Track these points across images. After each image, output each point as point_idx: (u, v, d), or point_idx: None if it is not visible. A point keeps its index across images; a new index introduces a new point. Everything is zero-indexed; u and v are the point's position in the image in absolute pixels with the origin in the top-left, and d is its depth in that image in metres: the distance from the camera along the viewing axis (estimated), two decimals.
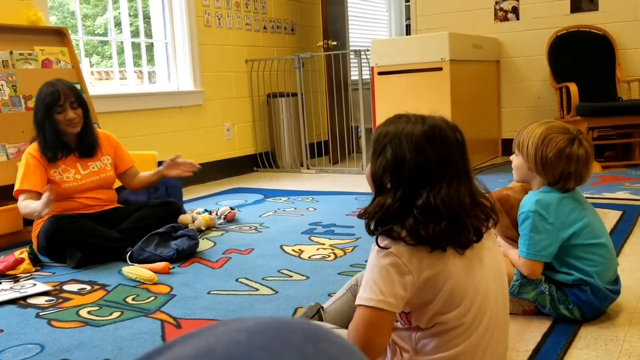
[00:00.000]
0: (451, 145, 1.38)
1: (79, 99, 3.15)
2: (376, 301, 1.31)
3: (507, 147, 5.99)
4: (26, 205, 2.97)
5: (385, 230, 1.34)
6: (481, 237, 1.38)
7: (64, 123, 3.08)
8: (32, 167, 3.07)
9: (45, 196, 2.73)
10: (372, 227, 1.38)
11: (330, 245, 3.10)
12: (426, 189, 1.33)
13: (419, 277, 1.32)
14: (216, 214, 3.80)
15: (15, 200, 3.56)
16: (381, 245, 1.33)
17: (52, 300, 2.49)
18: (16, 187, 3.06)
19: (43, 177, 3.09)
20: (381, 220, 1.36)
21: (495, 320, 1.39)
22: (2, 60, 3.74)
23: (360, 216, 1.41)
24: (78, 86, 4.02)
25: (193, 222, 3.49)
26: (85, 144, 3.20)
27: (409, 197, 1.34)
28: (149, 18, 5.31)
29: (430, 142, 1.35)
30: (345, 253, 2.94)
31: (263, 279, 2.62)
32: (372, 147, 1.42)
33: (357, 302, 1.35)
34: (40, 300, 2.49)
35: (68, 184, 3.11)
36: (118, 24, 5.18)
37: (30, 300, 2.49)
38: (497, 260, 1.46)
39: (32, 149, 3.13)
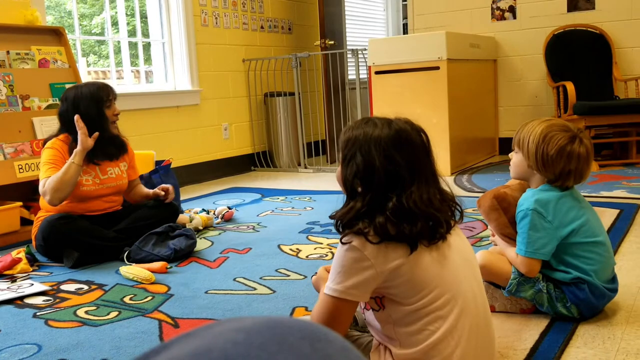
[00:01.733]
0: (417, 148, 1.44)
1: (116, 99, 3.19)
2: (339, 292, 1.41)
3: (504, 145, 6.00)
4: (52, 178, 2.91)
5: (350, 225, 1.42)
6: (450, 229, 1.46)
7: (110, 119, 3.11)
8: (55, 159, 3.02)
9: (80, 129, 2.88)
10: (340, 228, 1.45)
11: (327, 245, 3.10)
12: (396, 192, 1.40)
13: (382, 270, 1.38)
14: (214, 214, 3.80)
15: (13, 200, 3.55)
16: (345, 239, 1.41)
17: (50, 300, 2.48)
18: (41, 177, 2.98)
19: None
20: (350, 222, 1.43)
21: (469, 303, 1.43)
22: None
23: (331, 217, 1.48)
24: None
25: (191, 222, 3.49)
26: (115, 145, 3.19)
27: (379, 201, 1.41)
28: (146, 17, 5.30)
29: (398, 148, 1.41)
30: None
31: (261, 278, 2.62)
32: (341, 152, 1.49)
33: (325, 291, 1.45)
34: (38, 300, 2.49)
35: (86, 187, 3.06)
36: (115, 23, 5.16)
37: (28, 300, 2.49)
38: (465, 245, 1.53)
39: (55, 144, 3.07)
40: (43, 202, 3.15)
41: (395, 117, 1.47)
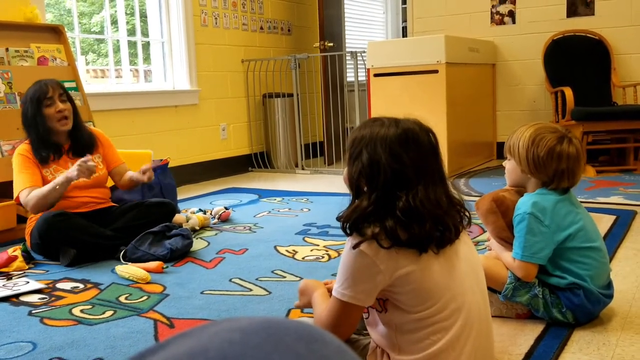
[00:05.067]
0: (425, 148, 1.42)
1: (67, 94, 3.15)
2: (348, 297, 1.41)
3: (502, 150, 5.96)
4: (36, 193, 2.93)
5: (359, 229, 1.39)
6: (459, 235, 1.44)
7: (55, 118, 3.05)
8: (27, 165, 3.04)
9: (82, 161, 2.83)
10: (347, 229, 1.42)
11: (324, 247, 3.10)
12: (403, 192, 1.37)
13: (391, 276, 1.37)
14: (210, 214, 3.80)
15: (10, 197, 3.55)
16: (354, 244, 1.38)
17: (45, 298, 2.48)
18: (17, 190, 3.00)
19: (39, 173, 3.06)
20: (356, 222, 1.40)
21: (473, 315, 1.42)
22: None
23: (338, 219, 1.46)
24: (73, 84, 4.01)
25: (187, 222, 3.49)
26: (82, 144, 3.17)
27: (385, 200, 1.38)
28: (146, 17, 5.30)
29: (404, 146, 1.39)
30: (339, 254, 2.93)
31: (257, 279, 2.62)
32: (348, 151, 1.47)
33: (333, 293, 1.46)
34: (33, 298, 2.48)
35: None
36: (114, 22, 5.16)
37: (23, 298, 2.48)
38: (472, 254, 1.51)
39: (22, 149, 3.09)
40: None
41: (404, 117, 1.45)
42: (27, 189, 2.97)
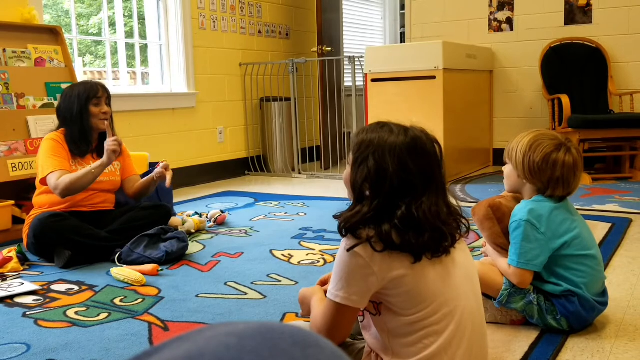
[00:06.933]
0: (431, 158, 1.43)
1: (110, 99, 3.25)
2: (342, 298, 1.41)
3: (498, 156, 6.01)
4: (69, 175, 2.98)
5: (354, 230, 1.39)
6: (455, 243, 1.44)
7: (98, 116, 3.14)
8: (58, 150, 3.08)
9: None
10: (343, 230, 1.42)
11: (320, 251, 3.10)
12: (406, 200, 1.38)
13: (384, 278, 1.37)
14: (206, 217, 3.79)
15: (6, 198, 3.54)
16: (348, 245, 1.39)
17: (40, 299, 2.47)
18: (45, 172, 3.01)
19: (68, 162, 3.10)
20: (354, 226, 1.40)
21: (466, 320, 1.43)
22: None
23: (335, 217, 1.46)
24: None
25: (183, 225, 3.48)
26: None
27: (386, 207, 1.38)
28: (144, 19, 5.30)
29: (413, 156, 1.39)
30: (334, 259, 2.92)
31: (252, 283, 2.62)
32: (353, 154, 1.45)
33: (327, 295, 1.46)
34: (28, 300, 2.47)
35: None
36: (112, 24, 5.17)
37: (18, 300, 2.48)
38: (468, 260, 1.52)
39: (55, 136, 3.14)
40: (37, 199, 3.15)
41: (411, 125, 1.45)
42: (58, 172, 3.00)
